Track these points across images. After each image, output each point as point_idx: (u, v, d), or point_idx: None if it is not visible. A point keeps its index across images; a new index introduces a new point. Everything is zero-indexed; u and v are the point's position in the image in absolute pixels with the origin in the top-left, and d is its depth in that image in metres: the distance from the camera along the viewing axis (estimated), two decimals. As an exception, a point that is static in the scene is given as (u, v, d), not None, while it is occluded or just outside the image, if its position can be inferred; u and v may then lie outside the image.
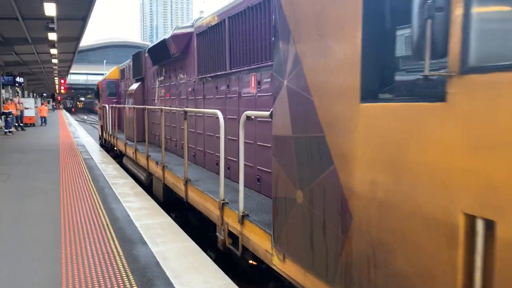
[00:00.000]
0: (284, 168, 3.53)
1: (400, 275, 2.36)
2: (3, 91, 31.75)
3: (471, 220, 2.00)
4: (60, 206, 7.61)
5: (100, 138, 21.24)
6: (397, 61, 2.75)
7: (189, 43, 8.59)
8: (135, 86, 13.92)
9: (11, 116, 25.77)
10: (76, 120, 51.79)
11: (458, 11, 1.99)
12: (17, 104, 29.62)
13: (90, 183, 9.87)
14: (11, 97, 32.94)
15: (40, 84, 60.54)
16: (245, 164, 4.81)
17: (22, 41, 21.77)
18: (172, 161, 8.71)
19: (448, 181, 2.08)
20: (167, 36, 9.38)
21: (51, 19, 16.41)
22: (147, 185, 9.98)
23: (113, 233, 5.89)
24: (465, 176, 2.00)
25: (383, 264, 2.49)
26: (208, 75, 7.52)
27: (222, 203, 5.07)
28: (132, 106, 12.77)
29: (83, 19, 17.98)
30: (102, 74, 33.96)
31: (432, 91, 2.22)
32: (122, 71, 17.48)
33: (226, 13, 6.55)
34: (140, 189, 9.13)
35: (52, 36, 19.52)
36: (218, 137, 5.31)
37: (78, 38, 23.03)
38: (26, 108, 32.66)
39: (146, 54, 12.35)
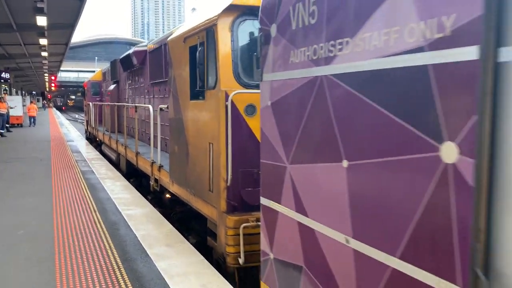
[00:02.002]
0: (172, 137, 7.49)
1: (198, 173, 5.97)
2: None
3: (209, 145, 5.49)
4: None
5: (86, 132, 25.15)
6: (197, 84, 5.70)
7: (144, 58, 11.64)
8: (112, 87, 16.86)
9: (1, 117, 23.77)
10: (67, 119, 50.38)
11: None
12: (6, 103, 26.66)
13: (89, 196, 9.23)
14: (1, 95, 29.74)
15: (28, 81, 57.10)
16: (162, 137, 8.68)
17: (6, 28, 18.43)
18: (132, 143, 11.27)
19: (204, 133, 5.66)
20: (130, 51, 12.74)
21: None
22: (116, 162, 13.81)
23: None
24: (208, 130, 5.50)
25: (194, 169, 6.18)
26: (155, 81, 10.46)
27: (151, 162, 8.72)
28: (107, 103, 16.62)
29: (80, -1, 14.91)
30: (94, 72, 31.89)
31: (202, 95, 5.63)
32: (104, 74, 20.22)
33: (162, 42, 9.48)
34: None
35: (41, 21, 16.77)
36: (155, 123, 8.71)
37: (73, 25, 19.53)
38: (10, 108, 29.13)
39: (119, 63, 15.06)
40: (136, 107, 11.08)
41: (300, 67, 3.26)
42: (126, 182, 10.44)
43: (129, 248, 5.95)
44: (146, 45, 11.84)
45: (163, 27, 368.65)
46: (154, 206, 8.44)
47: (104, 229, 6.79)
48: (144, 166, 9.61)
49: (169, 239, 6.32)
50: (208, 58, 5.28)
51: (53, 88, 73.94)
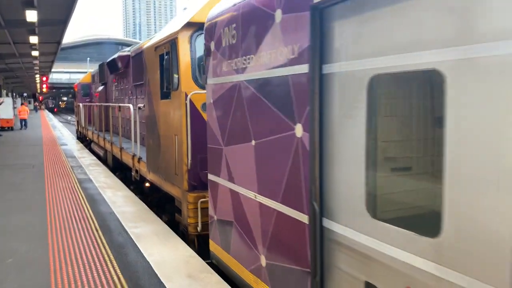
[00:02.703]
0: (147, 132, 8.45)
1: (167, 160, 7.12)
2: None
3: (174, 136, 6.70)
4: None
5: (76, 132, 25.74)
6: (166, 86, 6.79)
7: (128, 62, 12.39)
8: (100, 88, 17.77)
9: None
10: (60, 121, 48.58)
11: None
12: None
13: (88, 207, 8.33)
14: None
15: (19, 82, 56.03)
16: (140, 133, 9.71)
17: None
18: (117, 140, 11.96)
19: (171, 126, 6.88)
20: (115, 55, 13.54)
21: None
22: (104, 158, 14.84)
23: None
24: (174, 124, 6.78)
25: (164, 157, 7.29)
26: (137, 83, 11.11)
27: (132, 155, 9.73)
28: (95, 104, 17.57)
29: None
30: (86, 72, 32.20)
31: (169, 96, 6.85)
32: (93, 76, 21.09)
33: (142, 48, 9.80)
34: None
35: (31, 16, 15.02)
36: (135, 121, 9.80)
37: (65, 22, 17.67)
38: None
39: (106, 66, 15.78)
40: (119, 107, 12.03)
41: (228, 74, 4.46)
42: (128, 192, 9.51)
43: (142, 281, 4.84)
44: (129, 50, 12.90)
45: (155, 27, 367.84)
46: (136, 194, 9.54)
47: (110, 254, 5.67)
48: (127, 159, 10.74)
49: (190, 267, 5.23)
50: (172, 64, 6.45)
51: (44, 90, 73.61)
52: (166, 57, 6.62)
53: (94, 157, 15.47)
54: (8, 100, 31.39)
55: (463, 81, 2.11)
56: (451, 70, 2.17)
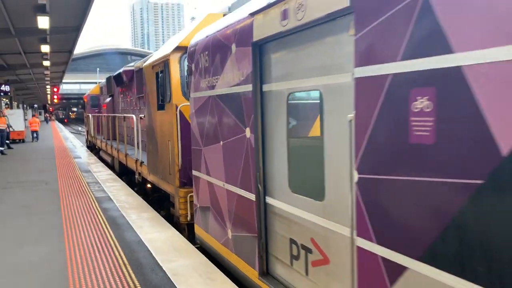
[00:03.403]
0: (147, 138, 9.59)
1: (163, 162, 8.25)
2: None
3: (168, 142, 7.84)
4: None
5: (86, 141, 26.91)
6: (161, 99, 8.00)
7: (132, 76, 13.57)
8: (107, 100, 18.99)
9: (1, 132, 21.65)
10: (71, 132, 48.35)
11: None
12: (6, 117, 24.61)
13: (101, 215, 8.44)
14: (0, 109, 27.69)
15: (30, 94, 55.92)
16: (142, 140, 10.91)
17: (3, 33, 16.04)
18: (123, 147, 13.17)
19: (165, 133, 7.98)
20: (121, 70, 14.88)
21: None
22: (111, 165, 16.04)
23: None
24: (167, 131, 7.94)
25: (161, 160, 8.39)
26: (140, 95, 12.18)
27: (135, 160, 11.05)
28: (103, 115, 19.00)
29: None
30: (96, 83, 33.07)
31: (163, 107, 8.04)
32: (101, 88, 22.44)
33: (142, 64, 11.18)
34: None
35: (43, 23, 14.44)
36: (138, 129, 11.01)
37: (78, 28, 16.94)
38: (10, 127, 25.66)
39: (113, 79, 17.07)
40: (124, 117, 13.39)
41: (204, 90, 5.66)
42: (153, 212, 8.53)
43: None
44: (133, 66, 14.25)
45: (163, 37, 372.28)
46: (139, 194, 10.75)
47: None
48: (131, 164, 11.98)
49: None
50: (165, 81, 7.68)
51: (55, 101, 74.92)
52: (160, 74, 7.86)
53: (110, 171, 14.56)
54: (18, 112, 30.57)
55: (328, 97, 3.28)
56: (323, 90, 3.35)
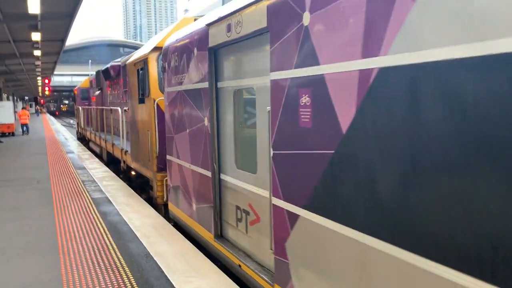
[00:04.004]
0: (130, 129, 10.57)
1: (144, 150, 9.24)
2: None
3: (147, 132, 8.86)
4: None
5: (77, 133, 27.81)
6: (141, 93, 9.08)
7: (119, 70, 14.23)
8: (97, 93, 19.90)
9: None
10: (62, 125, 47.12)
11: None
12: None
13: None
14: None
15: (20, 85, 54.57)
16: (127, 130, 11.73)
17: None
18: (110, 138, 14.27)
19: (145, 124, 9.04)
20: (108, 65, 15.64)
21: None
22: (100, 154, 17.38)
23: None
24: (147, 122, 8.98)
25: (142, 148, 9.40)
26: (125, 89, 12.57)
27: (121, 149, 12.03)
28: (92, 107, 20.16)
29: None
30: (88, 75, 33.31)
31: (143, 101, 9.00)
32: (91, 82, 23.36)
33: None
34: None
35: (34, 7, 13.40)
36: (123, 121, 12.01)
37: (72, 15, 15.94)
38: None
39: (102, 73, 17.79)
40: (111, 109, 14.33)
41: (174, 85, 6.63)
42: (160, 219, 7.54)
43: None
44: (120, 61, 15.11)
45: (156, 29, 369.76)
46: (124, 181, 11.70)
47: None
48: (117, 153, 12.92)
49: None
50: (145, 77, 8.62)
51: (47, 93, 74.19)
52: (141, 71, 8.80)
53: (106, 168, 13.76)
54: (8, 104, 29.58)
55: (262, 95, 4.28)
56: (256, 88, 4.35)
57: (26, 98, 74.89)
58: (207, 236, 5.67)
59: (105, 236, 6.58)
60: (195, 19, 7.63)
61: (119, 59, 15.75)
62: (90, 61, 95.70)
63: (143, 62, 8.70)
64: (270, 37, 3.80)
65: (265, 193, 4.24)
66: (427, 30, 2.27)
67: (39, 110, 77.48)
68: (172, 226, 7.09)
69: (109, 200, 9.08)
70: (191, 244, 6.09)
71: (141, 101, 9.12)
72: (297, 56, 3.40)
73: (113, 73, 15.13)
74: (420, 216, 2.36)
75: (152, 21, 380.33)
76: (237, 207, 4.96)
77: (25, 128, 28.94)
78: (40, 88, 64.53)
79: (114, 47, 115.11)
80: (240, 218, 4.91)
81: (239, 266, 4.73)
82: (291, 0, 3.44)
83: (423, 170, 2.32)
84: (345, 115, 2.91)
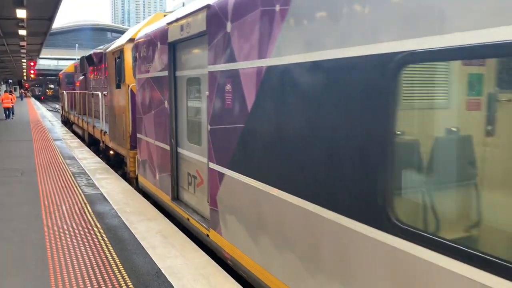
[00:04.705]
0: (109, 112, 11.81)
1: (119, 130, 10.91)
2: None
3: (123, 114, 10.14)
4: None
5: (61, 116, 29.37)
6: (118, 80, 10.22)
7: (101, 57, 14.90)
8: (80, 78, 20.87)
9: None
10: (48, 110, 46.48)
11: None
12: None
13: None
14: None
15: (4, 68, 52.98)
16: (106, 113, 12.62)
17: None
18: (91, 121, 15.51)
19: (121, 107, 10.15)
20: (91, 52, 16.62)
21: None
22: (82, 136, 18.41)
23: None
24: (122, 106, 10.11)
25: (118, 129, 10.73)
26: (106, 76, 13.21)
27: (101, 130, 13.18)
28: (76, 92, 21.27)
29: None
30: (74, 59, 33.36)
31: (120, 86, 10.08)
32: (76, 67, 24.19)
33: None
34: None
35: None
36: (102, 104, 13.00)
37: None
38: None
39: (85, 59, 18.69)
40: (92, 94, 15.28)
41: (143, 73, 7.71)
42: (167, 223, 6.42)
43: None
44: (102, 49, 16.04)
45: (144, 14, 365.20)
46: (102, 159, 12.76)
47: None
48: (97, 134, 13.96)
49: None
50: (121, 65, 9.66)
51: (32, 76, 73.03)
52: (117, 60, 9.84)
53: (98, 158, 12.50)
54: None
55: (204, 83, 5.41)
56: (201, 78, 5.48)
57: (10, 81, 73.84)
58: (166, 199, 6.82)
59: (104, 245, 5.52)
60: (164, 15, 8.69)
61: (101, 47, 16.65)
62: (77, 45, 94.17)
63: (120, 52, 9.74)
64: (208, 38, 4.92)
65: (205, 160, 5.39)
66: (285, 46, 3.43)
67: (24, 94, 76.34)
68: (181, 232, 6.01)
69: (105, 198, 7.88)
70: (209, 258, 5.13)
71: (118, 86, 10.17)
72: (224, 55, 4.54)
73: (96, 59, 16.05)
74: (285, 165, 3.54)
75: (140, 7, 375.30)
76: (188, 174, 6.12)
77: (8, 112, 28.11)
78: (25, 71, 63.45)
79: (102, 31, 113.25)
80: (190, 182, 6.07)
81: (188, 219, 5.91)
82: (220, 12, 4.57)
83: (287, 138, 3.50)
84: (250, 98, 4.07)
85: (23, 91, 75.56)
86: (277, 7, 3.54)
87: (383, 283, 2.66)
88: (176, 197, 6.63)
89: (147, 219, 6.68)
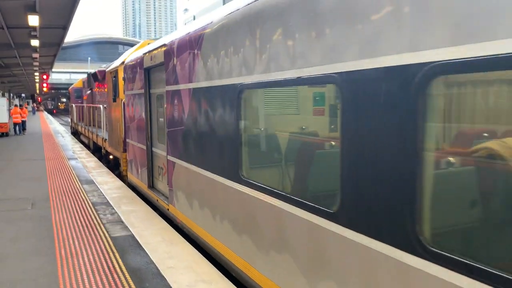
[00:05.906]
0: (108, 122, 14.27)
1: (115, 137, 13.58)
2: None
3: (118, 123, 12.17)
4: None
5: (71, 127, 32.21)
6: (114, 95, 12.50)
7: (104, 75, 16.69)
8: (88, 92, 23.58)
9: None
10: (61, 124, 44.86)
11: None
12: None
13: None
14: None
15: (17, 82, 50.16)
16: (106, 124, 14.93)
17: None
18: (95, 130, 17.63)
19: (117, 118, 12.24)
20: (96, 70, 18.74)
21: None
22: (88, 144, 20.87)
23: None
24: (118, 116, 12.36)
25: (114, 136, 13.79)
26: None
27: (102, 138, 15.54)
28: (83, 105, 24.30)
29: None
30: (87, 73, 34.44)
31: (115, 100, 12.25)
32: (83, 82, 27.19)
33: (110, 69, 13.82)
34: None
35: None
36: (104, 116, 15.42)
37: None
38: None
39: (91, 76, 21.10)
40: (95, 106, 17.47)
41: (130, 90, 9.75)
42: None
43: None
44: (105, 68, 18.24)
45: (155, 28, 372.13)
46: (103, 163, 14.83)
47: None
48: (100, 142, 16.08)
49: None
50: (116, 83, 11.73)
51: (44, 89, 70.04)
52: (114, 78, 11.94)
53: (120, 182, 10.83)
54: (1, 101, 26.33)
55: (163, 98, 7.39)
56: (164, 94, 7.48)
57: (23, 95, 74.51)
58: (144, 187, 8.80)
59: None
60: (148, 43, 10.75)
61: (104, 66, 18.90)
62: (89, 58, 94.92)
63: (115, 72, 11.85)
64: (165, 67, 6.92)
65: (165, 154, 7.35)
66: (200, 75, 5.42)
67: (36, 108, 76.06)
68: None
69: (139, 245, 6.06)
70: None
71: (114, 100, 12.26)
72: (172, 79, 6.53)
73: (100, 76, 18.28)
74: (202, 151, 5.50)
75: (151, 20, 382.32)
76: (159, 167, 8.09)
77: (17, 127, 26.53)
78: (37, 85, 61.60)
79: (113, 44, 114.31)
80: (159, 173, 8.04)
81: (157, 200, 7.86)
82: (170, 49, 6.57)
83: (202, 134, 5.45)
84: (186, 109, 6.04)
85: (35, 105, 75.29)
86: (195, 51, 5.53)
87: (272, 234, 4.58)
88: (152, 186, 8.59)
89: (201, 280, 4.73)
